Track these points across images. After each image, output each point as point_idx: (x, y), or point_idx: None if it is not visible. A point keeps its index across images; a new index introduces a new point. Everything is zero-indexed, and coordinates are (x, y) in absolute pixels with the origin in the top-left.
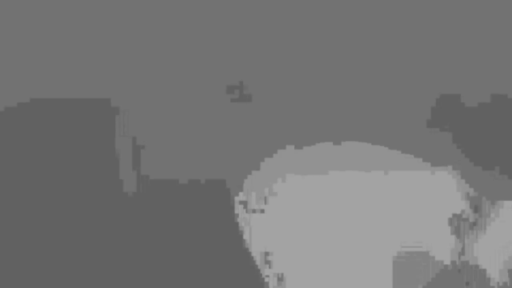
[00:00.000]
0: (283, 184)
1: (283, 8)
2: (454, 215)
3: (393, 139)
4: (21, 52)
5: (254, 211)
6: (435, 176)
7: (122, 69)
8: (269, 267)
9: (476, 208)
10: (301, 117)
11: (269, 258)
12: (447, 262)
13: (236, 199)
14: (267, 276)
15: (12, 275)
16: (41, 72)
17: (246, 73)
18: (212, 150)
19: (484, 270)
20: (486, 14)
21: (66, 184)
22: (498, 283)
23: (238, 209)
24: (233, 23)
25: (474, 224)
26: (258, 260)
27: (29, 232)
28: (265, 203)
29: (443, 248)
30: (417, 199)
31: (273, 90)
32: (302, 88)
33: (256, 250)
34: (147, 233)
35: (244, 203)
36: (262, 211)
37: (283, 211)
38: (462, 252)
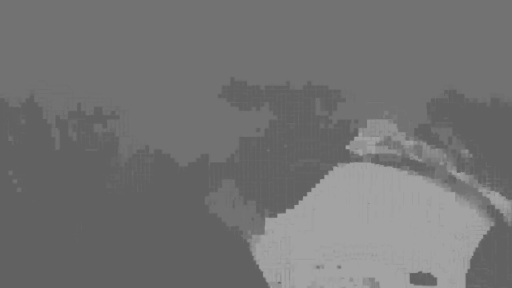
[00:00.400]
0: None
1: (284, 8)
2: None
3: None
4: (18, 51)
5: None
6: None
7: (122, 69)
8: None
9: None
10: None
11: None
12: None
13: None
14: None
15: None
16: (40, 72)
17: (246, 72)
18: (212, 149)
19: None
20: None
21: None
22: None
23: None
24: (235, 22)
25: None
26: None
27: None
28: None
29: None
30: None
31: (273, 89)
32: (301, 87)
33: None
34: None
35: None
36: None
37: None
38: None
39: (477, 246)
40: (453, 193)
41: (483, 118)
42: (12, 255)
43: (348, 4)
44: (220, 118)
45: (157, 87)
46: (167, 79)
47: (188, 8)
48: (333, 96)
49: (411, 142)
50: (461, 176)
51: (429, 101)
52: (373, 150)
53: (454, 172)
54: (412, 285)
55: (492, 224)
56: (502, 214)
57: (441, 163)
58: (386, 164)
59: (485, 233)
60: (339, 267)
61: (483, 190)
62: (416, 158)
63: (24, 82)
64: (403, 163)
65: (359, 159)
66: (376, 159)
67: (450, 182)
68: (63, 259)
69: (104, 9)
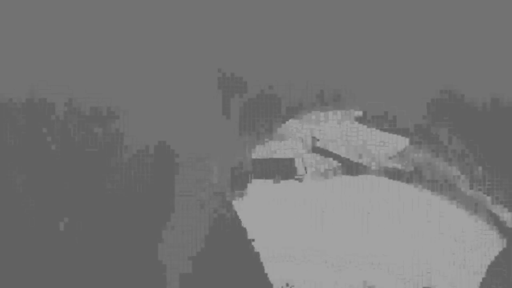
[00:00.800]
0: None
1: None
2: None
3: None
4: (19, 51)
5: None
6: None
7: (122, 70)
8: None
9: None
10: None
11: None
12: None
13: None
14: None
15: None
16: (40, 72)
17: (246, 72)
18: (211, 149)
19: None
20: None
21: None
22: None
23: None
24: (234, 23)
25: None
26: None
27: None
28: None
29: None
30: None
31: (268, 87)
32: (300, 88)
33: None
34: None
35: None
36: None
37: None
38: None
39: (474, 250)
40: (453, 201)
41: (483, 119)
42: (12, 253)
43: (350, 5)
44: (220, 118)
45: (157, 89)
46: (167, 81)
47: (188, 13)
48: (328, 94)
49: (415, 154)
50: (464, 184)
51: (429, 101)
52: (385, 163)
53: (456, 181)
54: None
55: (497, 232)
56: (505, 223)
57: (443, 172)
58: (393, 176)
59: (486, 238)
60: (339, 272)
61: (486, 198)
62: (416, 169)
63: (24, 82)
64: (408, 175)
65: (369, 171)
66: (386, 171)
67: (452, 191)
68: (63, 257)
69: (103, 11)
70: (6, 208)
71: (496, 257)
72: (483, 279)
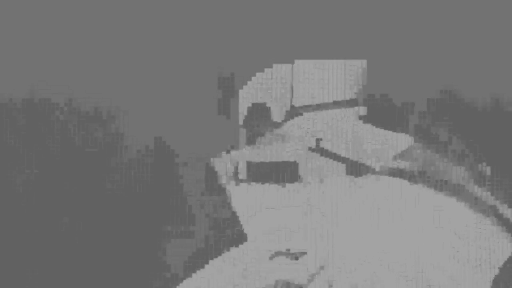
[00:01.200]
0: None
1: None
2: None
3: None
4: (19, 52)
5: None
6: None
7: (122, 70)
8: None
9: None
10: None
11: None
12: None
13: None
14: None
15: None
16: (40, 72)
17: (245, 72)
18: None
19: None
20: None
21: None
22: None
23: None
24: (231, 23)
25: None
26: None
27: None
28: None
29: None
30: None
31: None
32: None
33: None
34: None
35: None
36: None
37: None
38: None
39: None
40: (455, 197)
41: (483, 119)
42: (12, 253)
43: (350, 5)
44: (220, 117)
45: (157, 88)
46: (166, 80)
47: (188, 13)
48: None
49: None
50: (465, 181)
51: (429, 101)
52: (388, 163)
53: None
54: None
55: (500, 228)
56: (508, 220)
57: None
58: (395, 175)
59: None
60: (339, 271)
61: (488, 195)
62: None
63: (24, 82)
64: (411, 174)
65: (373, 171)
66: (390, 171)
67: (453, 187)
68: (62, 257)
69: (103, 11)
70: (6, 208)
71: (510, 257)
72: (496, 276)
